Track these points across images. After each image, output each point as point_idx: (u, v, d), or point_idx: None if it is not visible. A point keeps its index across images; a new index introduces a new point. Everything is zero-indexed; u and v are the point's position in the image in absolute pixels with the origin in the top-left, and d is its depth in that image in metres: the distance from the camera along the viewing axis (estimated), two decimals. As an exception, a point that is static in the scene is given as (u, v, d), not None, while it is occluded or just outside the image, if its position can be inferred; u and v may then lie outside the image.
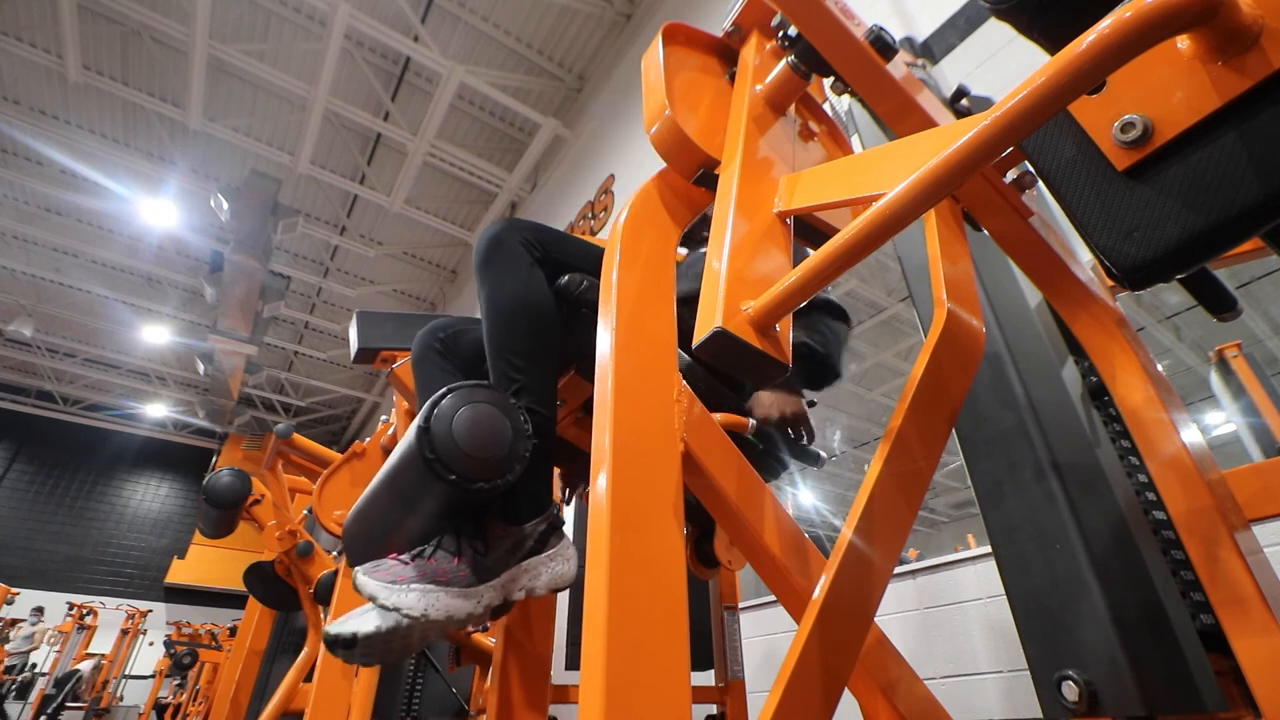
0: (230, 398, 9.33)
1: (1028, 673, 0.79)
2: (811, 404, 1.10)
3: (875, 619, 0.59)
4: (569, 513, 2.20)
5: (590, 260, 0.98)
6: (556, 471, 1.38)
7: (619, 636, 0.46)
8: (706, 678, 1.68)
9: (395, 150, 6.68)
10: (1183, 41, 0.51)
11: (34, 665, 8.31)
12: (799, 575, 0.69)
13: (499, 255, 0.94)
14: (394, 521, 0.83)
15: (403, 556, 0.77)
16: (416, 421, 0.76)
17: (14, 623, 8.15)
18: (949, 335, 0.64)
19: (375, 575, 0.74)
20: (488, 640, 2.33)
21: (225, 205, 6.31)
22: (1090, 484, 0.80)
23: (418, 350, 1.07)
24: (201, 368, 8.66)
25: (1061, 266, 0.81)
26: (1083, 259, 0.85)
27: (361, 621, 0.74)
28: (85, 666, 7.97)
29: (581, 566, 0.60)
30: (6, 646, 7.48)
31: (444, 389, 0.79)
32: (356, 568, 0.77)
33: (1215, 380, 2.59)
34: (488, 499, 0.81)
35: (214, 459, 12.69)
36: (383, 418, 2.29)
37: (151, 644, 9.86)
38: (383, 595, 0.72)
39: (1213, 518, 0.66)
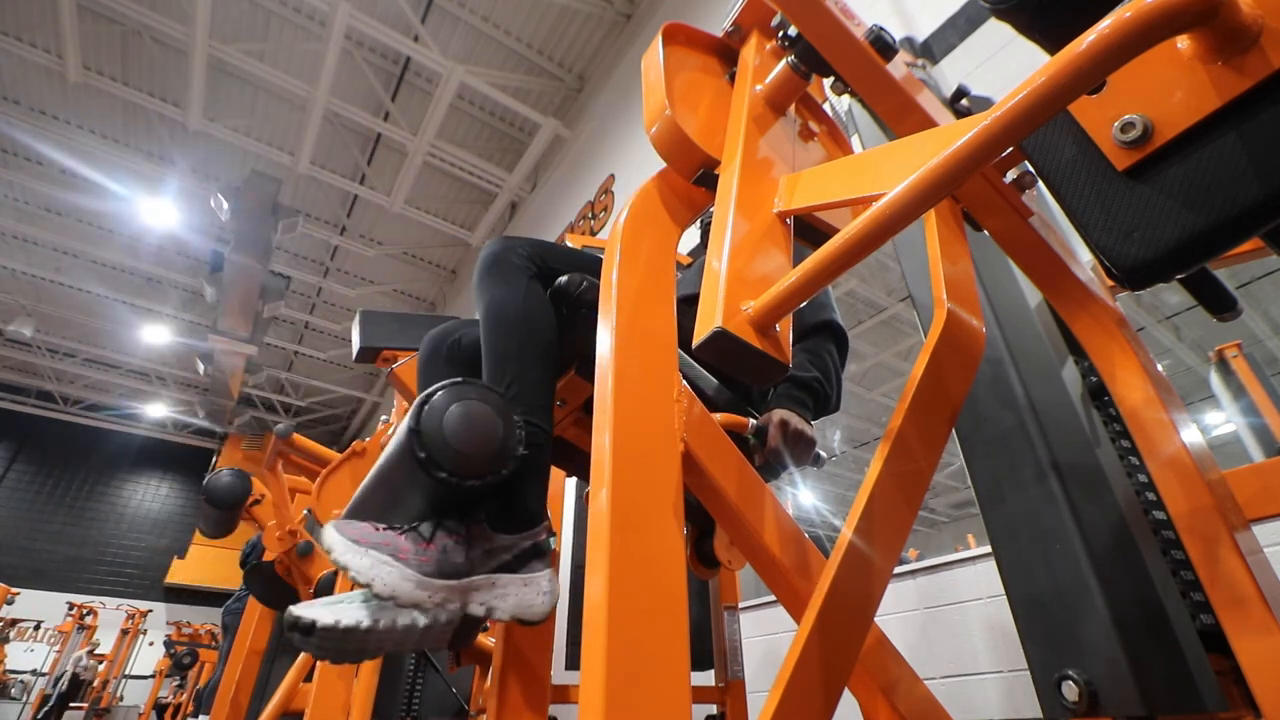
0: (230, 398, 9.31)
1: (1028, 673, 0.78)
2: (819, 462, 1.08)
3: (875, 619, 0.59)
4: (569, 513, 2.20)
5: (589, 266, 0.97)
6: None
7: (619, 636, 0.46)
8: (706, 678, 1.68)
9: (395, 150, 6.68)
10: (1183, 41, 0.51)
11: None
12: (799, 575, 0.69)
13: (497, 269, 0.94)
14: (385, 518, 0.81)
15: (380, 524, 0.75)
16: (407, 420, 0.75)
17: (14, 623, 8.14)
18: (949, 335, 0.64)
19: (343, 530, 0.72)
20: (488, 640, 2.33)
21: (225, 205, 6.30)
22: (1090, 484, 0.80)
23: (425, 353, 1.06)
24: (201, 368, 8.65)
25: (1061, 266, 0.81)
26: (1083, 259, 0.85)
27: (326, 612, 0.70)
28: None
29: (580, 567, 0.60)
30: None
31: (434, 386, 0.77)
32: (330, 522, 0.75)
33: (1215, 380, 2.59)
34: (477, 496, 0.79)
35: (214, 459, 12.69)
36: (383, 418, 2.29)
37: (151, 644, 9.87)
38: (338, 549, 0.70)
39: (1213, 518, 0.66)
